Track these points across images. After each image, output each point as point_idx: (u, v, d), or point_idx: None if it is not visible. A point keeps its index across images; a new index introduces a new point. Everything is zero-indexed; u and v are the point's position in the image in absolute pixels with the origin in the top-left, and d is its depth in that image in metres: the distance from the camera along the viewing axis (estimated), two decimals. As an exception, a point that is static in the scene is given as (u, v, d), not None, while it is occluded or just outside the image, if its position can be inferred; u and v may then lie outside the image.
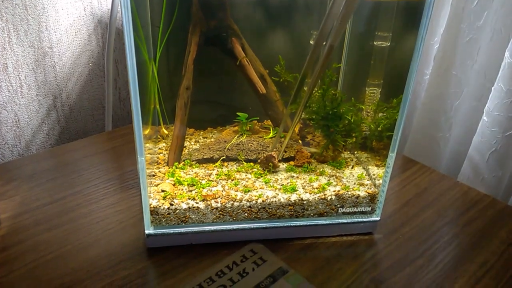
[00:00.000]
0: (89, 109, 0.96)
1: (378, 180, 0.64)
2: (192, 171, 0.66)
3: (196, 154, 0.69)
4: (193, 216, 0.59)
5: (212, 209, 0.59)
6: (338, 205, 0.63)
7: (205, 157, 0.69)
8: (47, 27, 0.84)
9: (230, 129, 0.75)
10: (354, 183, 0.65)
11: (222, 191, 0.61)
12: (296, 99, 0.66)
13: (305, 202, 0.61)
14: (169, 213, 0.58)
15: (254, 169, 0.67)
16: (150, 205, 0.58)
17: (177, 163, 0.67)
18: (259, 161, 0.67)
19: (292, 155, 0.69)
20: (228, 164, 0.68)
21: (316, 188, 0.63)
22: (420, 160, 0.88)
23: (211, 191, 0.61)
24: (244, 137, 0.71)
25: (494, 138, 0.78)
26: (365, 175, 0.67)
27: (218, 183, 0.63)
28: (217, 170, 0.66)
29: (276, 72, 0.68)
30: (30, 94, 0.86)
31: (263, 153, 0.69)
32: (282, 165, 0.68)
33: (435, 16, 0.87)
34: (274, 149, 0.68)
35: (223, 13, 0.64)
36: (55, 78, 0.88)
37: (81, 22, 0.88)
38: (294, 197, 0.61)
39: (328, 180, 0.65)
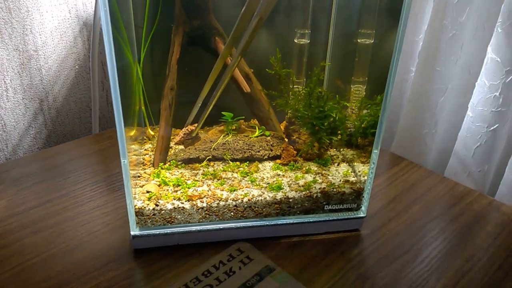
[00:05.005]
0: (76, 112, 0.96)
1: (364, 176, 0.65)
2: (178, 171, 0.66)
3: (182, 154, 0.69)
4: (179, 216, 0.59)
5: (198, 209, 0.59)
6: (324, 202, 0.63)
7: (191, 157, 0.69)
8: (31, 30, 0.83)
9: (216, 128, 0.75)
10: (340, 180, 0.65)
11: (208, 190, 0.61)
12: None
13: (291, 200, 0.61)
14: (154, 214, 0.58)
15: (240, 168, 0.67)
16: (135, 206, 0.58)
17: (162, 163, 0.67)
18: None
19: (278, 153, 0.70)
20: (214, 163, 0.68)
21: (302, 185, 0.63)
22: (407, 156, 0.89)
23: (196, 191, 0.61)
24: (230, 136, 0.71)
25: (479, 133, 0.78)
26: (351, 172, 0.68)
27: (204, 183, 0.63)
28: (203, 170, 0.66)
29: (265, 67, 0.68)
30: (16, 98, 0.85)
31: (249, 152, 0.69)
32: (269, 163, 0.68)
33: (419, 12, 0.87)
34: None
35: (205, 13, 0.64)
36: (41, 81, 0.88)
37: (66, 25, 0.88)
38: (280, 195, 0.61)
39: (314, 178, 0.65)
